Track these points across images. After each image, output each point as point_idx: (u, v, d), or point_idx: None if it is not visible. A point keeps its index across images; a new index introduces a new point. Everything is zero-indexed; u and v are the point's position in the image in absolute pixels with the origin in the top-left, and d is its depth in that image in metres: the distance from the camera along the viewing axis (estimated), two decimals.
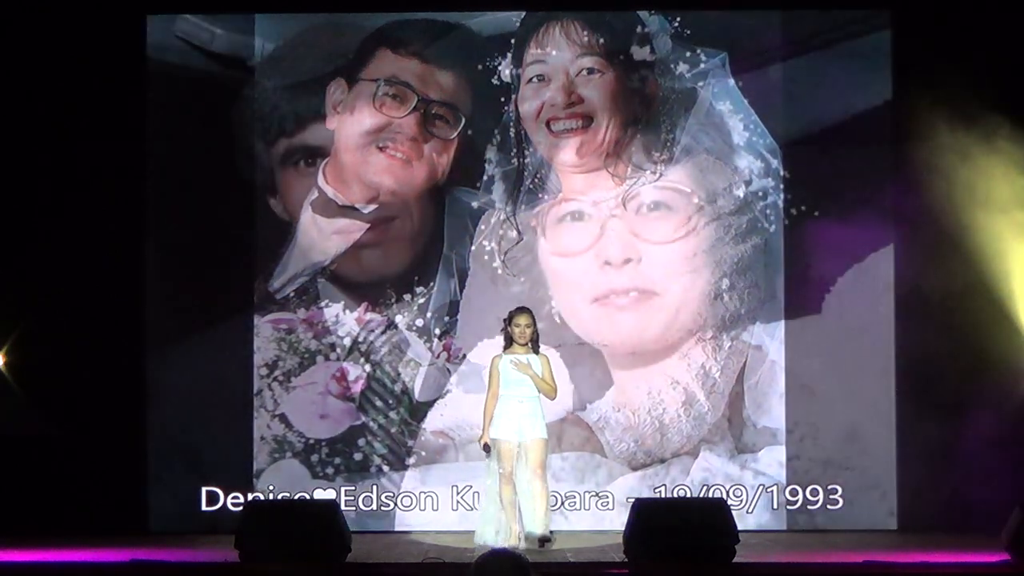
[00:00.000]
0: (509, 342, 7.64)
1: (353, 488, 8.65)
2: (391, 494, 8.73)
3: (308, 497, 8.28)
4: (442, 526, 8.46)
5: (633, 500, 6.82)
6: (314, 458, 8.70)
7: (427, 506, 8.66)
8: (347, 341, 8.88)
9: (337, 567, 6.13)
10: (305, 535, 6.15)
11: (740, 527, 6.67)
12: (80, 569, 6.27)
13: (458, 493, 8.66)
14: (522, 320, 7.62)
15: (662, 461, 8.71)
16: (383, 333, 8.91)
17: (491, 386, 7.63)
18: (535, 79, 8.81)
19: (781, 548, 7.45)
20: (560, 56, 8.78)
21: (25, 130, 8.66)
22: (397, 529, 8.55)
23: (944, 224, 8.46)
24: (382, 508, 8.69)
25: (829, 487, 8.66)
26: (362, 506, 8.60)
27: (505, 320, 7.74)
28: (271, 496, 8.46)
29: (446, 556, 6.67)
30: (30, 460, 8.40)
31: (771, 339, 8.81)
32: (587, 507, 8.64)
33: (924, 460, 8.54)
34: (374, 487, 8.69)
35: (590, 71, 8.75)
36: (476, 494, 8.44)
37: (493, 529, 7.36)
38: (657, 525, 6.13)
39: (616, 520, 8.21)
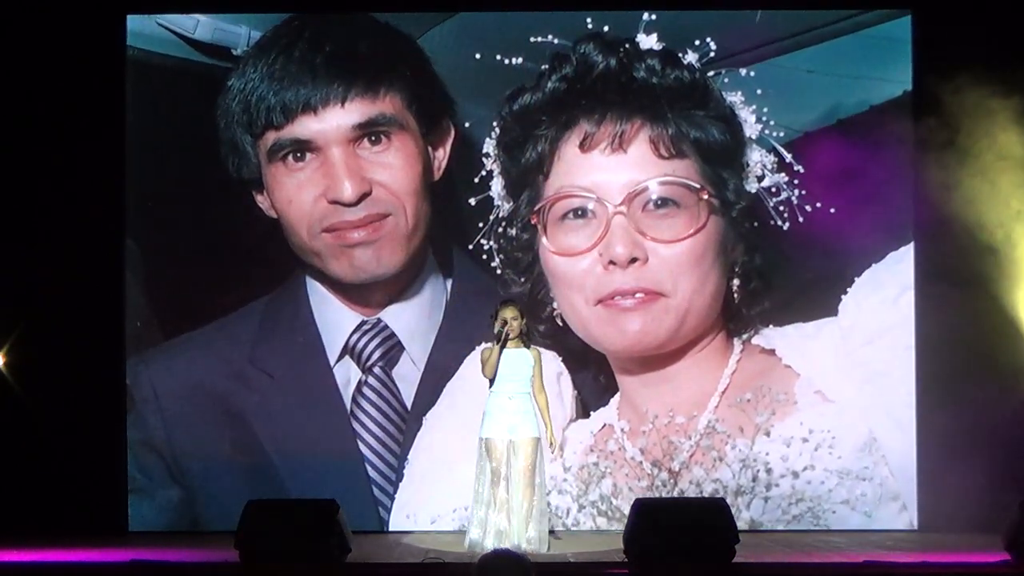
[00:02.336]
0: (498, 337, 8.61)
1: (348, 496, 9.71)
2: (385, 505, 9.79)
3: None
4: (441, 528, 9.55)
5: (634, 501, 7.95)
6: (305, 465, 9.76)
7: (424, 520, 9.68)
8: (338, 345, 9.92)
9: (337, 567, 7.26)
10: (305, 535, 7.28)
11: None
12: (80, 569, 7.43)
13: (455, 508, 9.59)
14: (507, 313, 8.59)
15: (670, 472, 9.70)
16: (376, 336, 9.94)
17: (485, 365, 8.55)
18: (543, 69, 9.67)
19: (781, 548, 8.51)
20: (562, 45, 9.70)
21: None
22: (397, 530, 9.62)
23: (968, 221, 9.41)
24: (378, 515, 9.80)
25: (846, 499, 9.62)
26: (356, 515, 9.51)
27: (491, 315, 8.71)
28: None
29: (446, 556, 7.80)
30: (14, 461, 9.59)
31: (785, 343, 9.75)
32: (593, 522, 9.66)
33: (947, 470, 9.50)
34: (368, 497, 9.77)
35: (593, 65, 9.62)
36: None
37: (481, 531, 8.37)
38: (657, 525, 7.25)
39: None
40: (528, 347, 8.69)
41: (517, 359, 8.64)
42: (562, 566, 7.62)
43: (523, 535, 8.35)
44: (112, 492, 9.74)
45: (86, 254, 9.79)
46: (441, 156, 9.93)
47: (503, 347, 8.51)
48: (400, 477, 9.83)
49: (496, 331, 8.52)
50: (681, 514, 7.48)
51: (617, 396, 9.86)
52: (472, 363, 9.73)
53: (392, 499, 9.83)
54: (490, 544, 8.24)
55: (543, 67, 9.72)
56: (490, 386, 8.60)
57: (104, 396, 9.79)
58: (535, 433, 8.57)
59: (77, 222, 9.77)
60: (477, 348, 9.71)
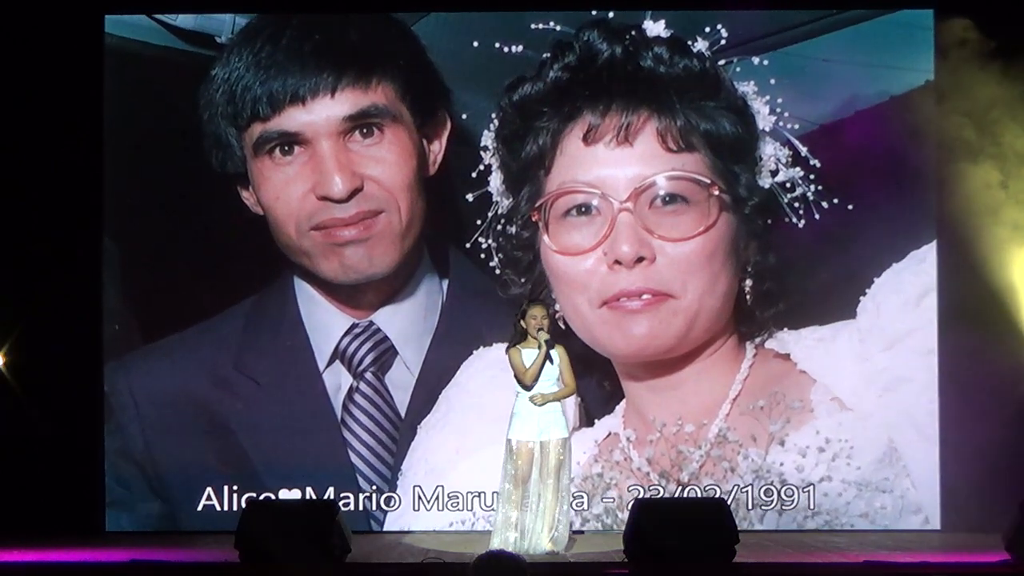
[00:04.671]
0: (522, 336, 9.81)
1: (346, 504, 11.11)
2: (378, 518, 11.18)
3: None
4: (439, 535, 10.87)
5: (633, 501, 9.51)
6: (293, 476, 11.13)
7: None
8: (328, 349, 11.27)
9: (337, 567, 8.84)
10: (305, 535, 8.78)
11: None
12: (80, 569, 9.01)
13: (451, 522, 11.09)
14: (537, 312, 9.77)
15: (679, 483, 11.01)
16: (368, 340, 11.27)
17: (526, 372, 9.66)
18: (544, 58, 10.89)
19: (781, 548, 9.95)
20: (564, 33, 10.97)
21: None
22: (397, 529, 11.05)
23: (992, 219, 10.71)
24: (370, 528, 11.15)
25: (865, 512, 10.96)
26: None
27: (517, 314, 9.85)
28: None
29: (446, 556, 9.28)
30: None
31: (800, 347, 11.05)
32: (597, 531, 10.99)
33: (972, 482, 10.82)
34: (358, 510, 11.14)
35: (597, 53, 10.87)
36: (474, 514, 11.09)
37: (514, 533, 9.63)
38: (657, 525, 8.78)
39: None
40: (552, 346, 9.88)
41: (541, 357, 9.80)
42: (562, 566, 9.13)
43: (548, 535, 9.63)
44: (90, 505, 11.19)
45: (61, 253, 11.17)
46: (437, 149, 11.22)
47: (547, 358, 9.77)
48: (393, 489, 11.19)
49: (541, 342, 9.72)
50: (681, 514, 8.99)
51: (623, 403, 11.19)
52: (469, 368, 11.18)
53: (385, 512, 11.23)
54: (524, 545, 9.60)
55: (544, 55, 11.00)
56: (526, 389, 9.82)
57: (81, 402, 11.21)
58: (564, 434, 9.83)
59: (52, 219, 11.16)
60: (475, 352, 11.17)
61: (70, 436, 11.19)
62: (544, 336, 9.75)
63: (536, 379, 9.79)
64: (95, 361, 11.38)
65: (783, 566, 9.08)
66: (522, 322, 9.84)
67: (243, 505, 10.65)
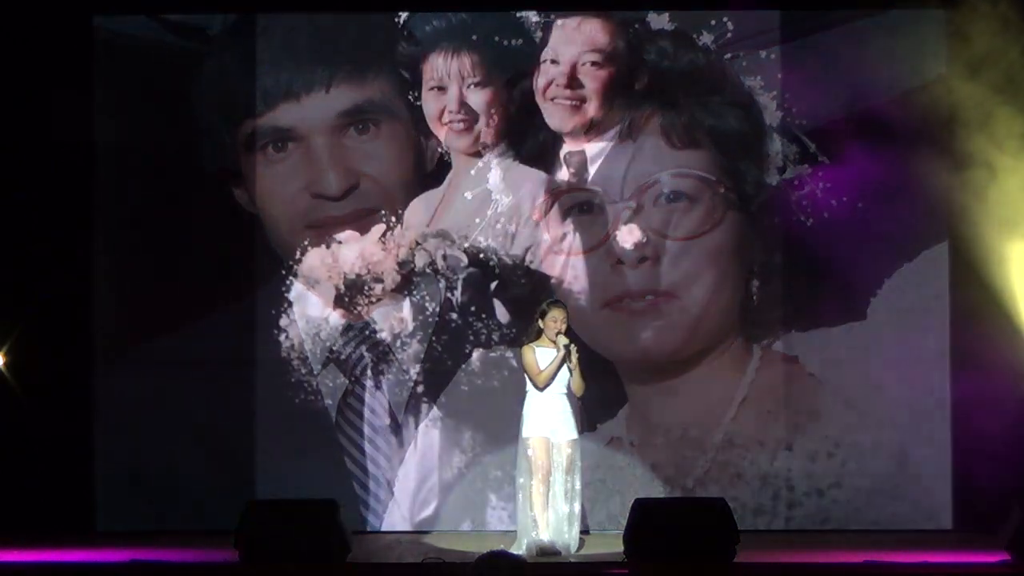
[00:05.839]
0: (538, 335, 10.40)
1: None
2: (373, 525, 11.87)
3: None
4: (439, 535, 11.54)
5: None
6: (286, 481, 11.79)
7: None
8: (322, 352, 11.94)
9: (337, 567, 9.54)
10: (305, 535, 9.52)
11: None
12: (80, 569, 9.77)
13: (449, 528, 11.70)
14: (558, 315, 10.30)
15: (684, 489, 11.64)
16: (363, 342, 11.96)
17: (541, 373, 10.20)
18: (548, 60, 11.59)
19: (781, 548, 10.64)
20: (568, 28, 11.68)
21: None
22: (397, 529, 11.77)
23: (1006, 218, 11.25)
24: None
25: (876, 519, 11.61)
26: None
27: (538, 313, 10.35)
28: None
29: (446, 556, 10.02)
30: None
31: (809, 349, 11.69)
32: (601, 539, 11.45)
33: (987, 490, 11.38)
34: (355, 515, 11.73)
35: (594, 63, 11.59)
36: (473, 515, 11.79)
37: (538, 535, 10.18)
38: (657, 525, 9.50)
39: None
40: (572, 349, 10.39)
41: (558, 360, 10.40)
42: (562, 566, 9.90)
43: (562, 535, 10.27)
44: (83, 504, 11.93)
45: (53, 252, 11.86)
46: (434, 146, 11.88)
47: (563, 362, 10.36)
48: (391, 490, 11.87)
49: (560, 345, 10.29)
50: (681, 514, 9.77)
51: (626, 407, 11.84)
52: (468, 370, 11.84)
53: (381, 518, 11.90)
54: (557, 542, 10.24)
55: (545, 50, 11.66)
56: (538, 390, 10.40)
57: (71, 405, 11.94)
58: (574, 435, 10.44)
59: (42, 218, 11.87)
60: (474, 354, 11.82)
61: (63, 437, 11.90)
62: (564, 340, 10.32)
63: (550, 382, 10.39)
64: (88, 362, 12.05)
65: (783, 566, 9.79)
66: (540, 322, 10.40)
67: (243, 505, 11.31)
